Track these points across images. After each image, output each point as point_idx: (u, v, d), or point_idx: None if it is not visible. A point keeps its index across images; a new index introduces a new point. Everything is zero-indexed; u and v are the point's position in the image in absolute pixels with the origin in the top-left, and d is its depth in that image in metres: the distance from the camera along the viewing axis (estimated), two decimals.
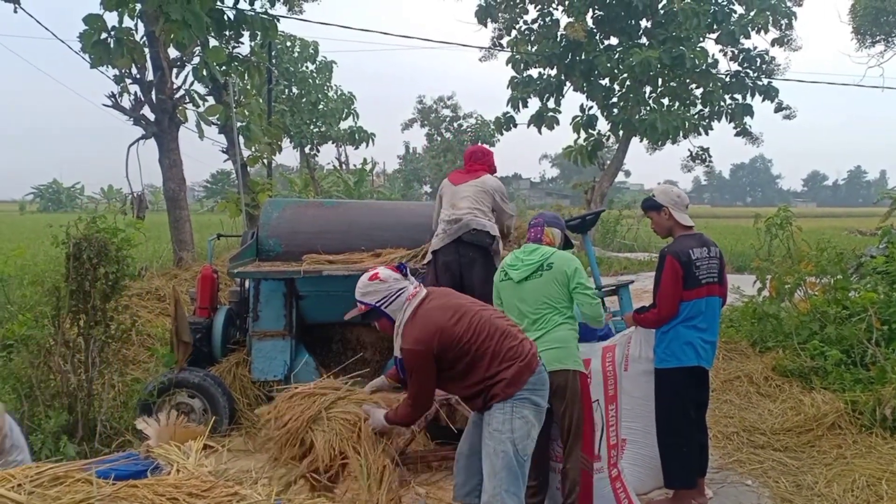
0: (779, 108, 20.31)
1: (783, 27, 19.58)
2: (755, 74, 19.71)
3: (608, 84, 19.92)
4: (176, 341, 5.82)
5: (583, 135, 20.46)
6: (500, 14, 20.95)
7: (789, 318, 7.46)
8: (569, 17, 19.34)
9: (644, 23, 19.50)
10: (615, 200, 32.13)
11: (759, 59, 19.73)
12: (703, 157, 21.76)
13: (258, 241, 6.20)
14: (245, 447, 5.42)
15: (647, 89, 19.71)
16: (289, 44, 25.90)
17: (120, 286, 5.04)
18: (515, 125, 21.17)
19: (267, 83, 15.28)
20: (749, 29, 18.75)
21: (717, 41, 19.30)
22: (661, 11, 18.72)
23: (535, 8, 20.38)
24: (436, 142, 52.88)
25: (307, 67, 26.76)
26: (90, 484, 2.98)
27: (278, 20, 11.81)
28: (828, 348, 6.49)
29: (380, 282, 3.51)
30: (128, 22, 9.93)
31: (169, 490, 3.04)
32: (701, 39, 18.53)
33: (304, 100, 26.52)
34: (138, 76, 10.68)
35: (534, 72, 20.63)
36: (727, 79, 19.75)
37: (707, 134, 20.08)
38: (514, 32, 20.78)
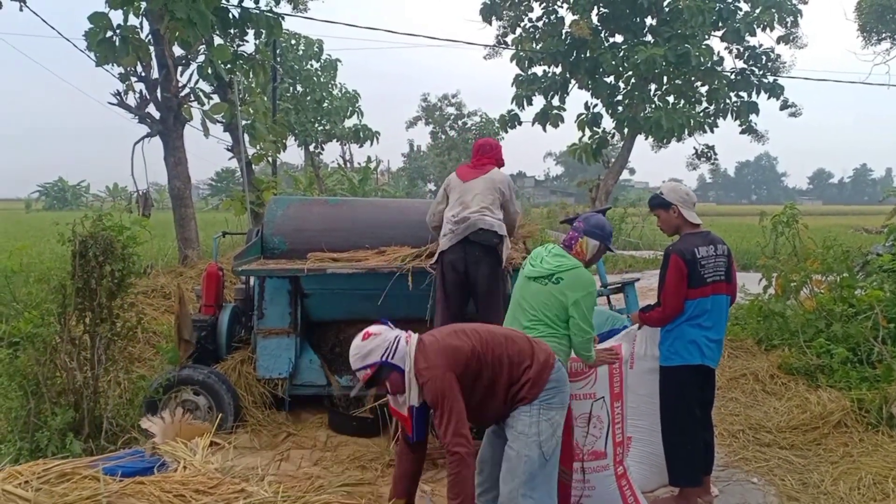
0: (784, 106, 20.26)
1: (789, 24, 19.52)
2: (761, 72, 19.67)
3: (613, 82, 19.89)
4: (178, 339, 5.83)
5: (587, 133, 20.45)
6: (504, 12, 20.94)
7: (795, 315, 7.44)
8: (574, 14, 19.31)
9: (649, 20, 19.46)
10: (620, 198, 32.13)
11: (764, 57, 19.69)
12: (709, 154, 21.74)
13: (263, 239, 6.21)
14: (251, 444, 5.43)
15: (653, 87, 19.67)
16: (293, 42, 25.94)
17: (126, 284, 5.05)
18: (520, 123, 21.16)
19: (272, 81, 15.29)
20: (754, 26, 18.70)
21: (722, 38, 19.26)
22: (667, 9, 18.67)
23: (539, 5, 20.37)
24: (440, 140, 52.89)
25: (312, 65, 26.80)
26: (97, 481, 2.99)
27: (283, 18, 11.80)
28: (834, 346, 6.48)
29: (374, 337, 3.37)
30: (133, 20, 9.94)
31: (176, 487, 3.05)
32: (706, 37, 18.49)
33: (308, 98, 26.56)
34: (143, 74, 10.70)
35: (538, 69, 20.61)
36: (732, 76, 19.71)
37: (712, 132, 20.05)
38: (518, 30, 20.77)
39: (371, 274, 5.57)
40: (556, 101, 20.52)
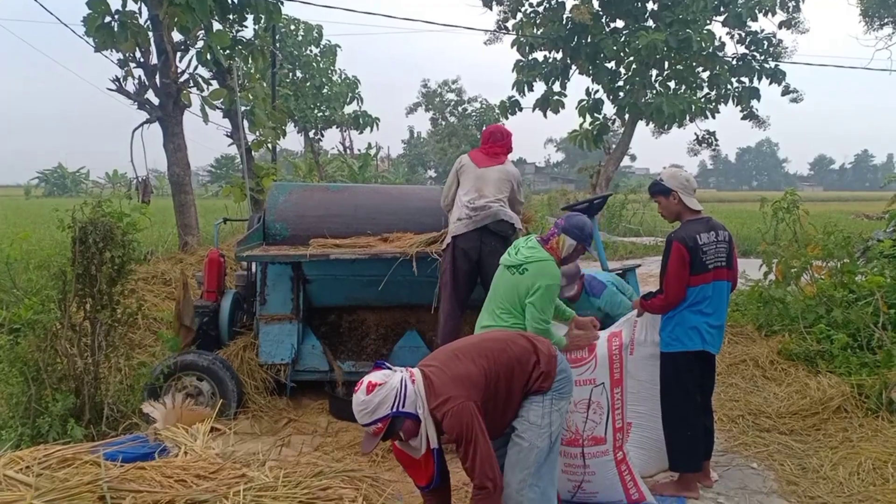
0: (786, 92, 20.17)
1: (790, 9, 19.43)
2: (762, 57, 19.58)
3: (614, 67, 19.80)
4: (178, 325, 5.84)
5: (588, 119, 20.38)
6: None
7: (795, 301, 7.44)
8: None
9: (650, 5, 19.34)
10: (621, 185, 32.10)
11: (766, 42, 19.59)
12: (710, 140, 21.67)
13: (265, 225, 6.20)
14: (252, 430, 5.45)
15: (654, 72, 19.59)
16: (293, 27, 25.84)
17: (126, 270, 5.04)
18: (521, 109, 21.08)
19: (271, 67, 15.24)
20: (756, 11, 18.59)
21: (723, 24, 19.15)
22: None
23: None
24: (440, 126, 52.79)
25: (311, 51, 26.72)
26: (98, 466, 3.00)
27: (282, 3, 11.74)
28: (834, 332, 6.48)
29: (380, 388, 3.05)
30: (131, 5, 9.92)
31: (177, 472, 3.06)
32: (707, 22, 18.39)
33: (308, 84, 26.50)
34: (142, 60, 10.66)
35: (539, 55, 20.52)
36: (734, 62, 19.62)
37: (713, 117, 19.98)
38: (519, 15, 20.63)
39: (374, 260, 5.57)
40: (556, 87, 20.44)
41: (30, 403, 4.63)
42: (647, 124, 20.24)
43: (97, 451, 3.23)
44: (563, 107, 20.43)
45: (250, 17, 11.99)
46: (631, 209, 25.33)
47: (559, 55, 20.16)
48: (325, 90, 26.95)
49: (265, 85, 14.58)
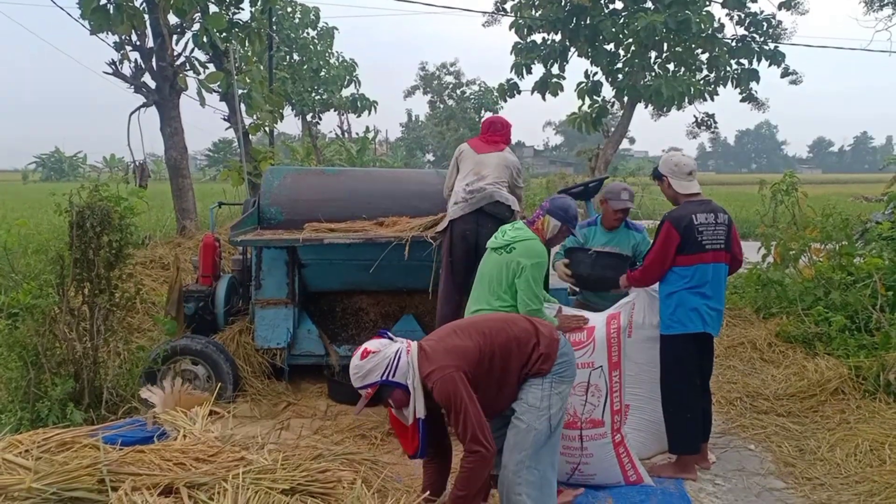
0: (785, 74, 20.08)
1: None
2: (762, 39, 19.46)
3: (613, 49, 19.68)
4: (175, 309, 5.85)
5: (587, 101, 20.29)
6: None
7: (794, 284, 7.45)
8: None
9: None
10: (619, 168, 32.03)
11: (765, 24, 19.46)
12: (709, 123, 21.60)
13: (260, 209, 6.18)
14: (251, 414, 5.46)
15: (653, 54, 19.47)
16: (289, 10, 25.63)
17: (124, 254, 5.03)
18: (519, 92, 20.98)
19: (268, 50, 15.13)
20: None
21: (723, 5, 19.02)
22: None
23: None
24: (438, 109, 52.58)
25: (308, 34, 26.53)
26: (97, 449, 3.00)
27: None
28: (832, 314, 6.49)
29: (374, 355, 3.19)
30: None
31: (176, 455, 3.07)
32: (707, 3, 18.26)
33: (305, 67, 26.33)
34: (138, 43, 10.58)
35: (538, 37, 20.38)
36: (733, 43, 19.50)
37: (713, 100, 19.89)
38: None
39: (369, 244, 5.56)
40: (555, 70, 20.33)
41: (29, 388, 4.63)
42: (646, 107, 20.15)
43: (96, 434, 3.24)
44: (561, 89, 20.33)
45: (246, 0, 11.92)
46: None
47: (558, 37, 20.03)
48: (322, 73, 26.79)
49: (262, 68, 14.49)
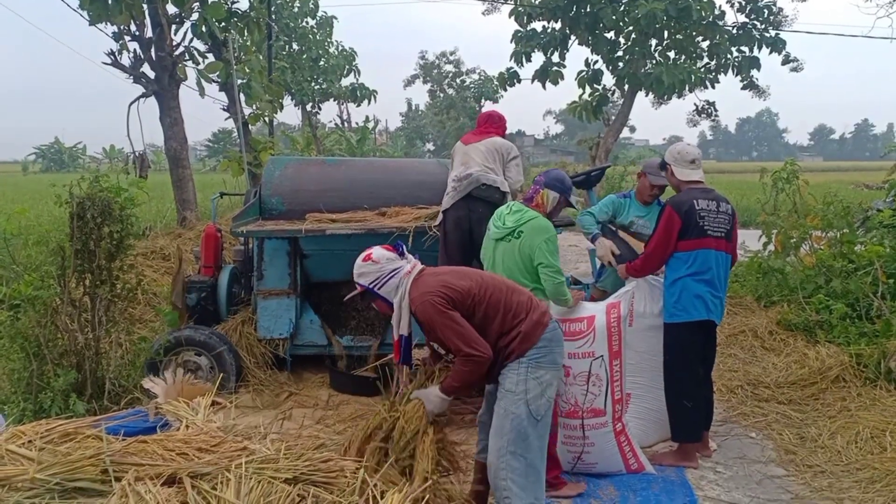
0: (786, 61, 20.00)
1: None
2: (762, 26, 19.38)
3: (613, 37, 19.60)
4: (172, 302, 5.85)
5: (588, 90, 20.23)
6: None
7: (795, 272, 7.45)
8: None
9: None
10: (620, 156, 31.97)
11: (766, 11, 19.37)
12: (709, 111, 21.55)
13: (261, 200, 6.18)
14: (253, 404, 5.47)
15: (653, 42, 19.40)
16: None
17: (125, 245, 5.03)
18: (519, 81, 20.91)
19: (267, 39, 15.08)
20: None
21: None
22: None
23: None
24: (438, 98, 52.41)
25: (307, 23, 26.42)
26: (100, 440, 3.01)
27: None
28: (833, 302, 6.49)
29: (372, 263, 3.40)
30: None
31: (178, 445, 3.08)
32: None
33: (304, 56, 26.24)
34: (137, 33, 10.55)
35: (538, 25, 20.29)
36: (734, 31, 19.43)
37: (713, 87, 19.84)
38: None
39: (370, 234, 5.56)
40: (555, 58, 20.25)
41: (31, 379, 4.64)
42: (647, 95, 20.09)
43: (99, 425, 3.25)
44: (562, 78, 20.26)
45: None
46: (630, 181, 25.25)
47: (558, 25, 19.94)
48: (321, 62, 26.71)
49: (261, 58, 14.45)
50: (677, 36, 19.15)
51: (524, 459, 3.28)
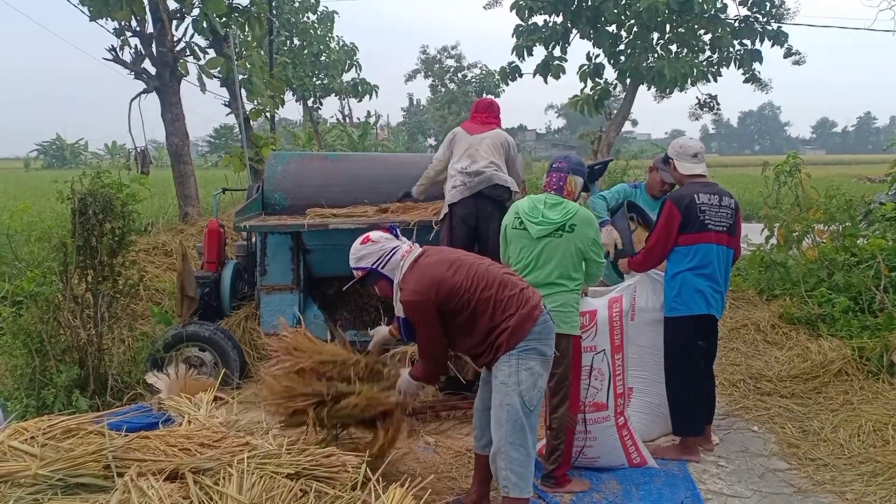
0: (788, 54, 19.90)
1: None
2: (765, 19, 19.30)
3: (615, 31, 19.53)
4: (181, 296, 5.85)
5: (589, 84, 20.15)
6: None
7: (797, 265, 7.43)
8: None
9: None
10: (622, 150, 31.88)
11: (768, 4, 19.30)
12: (711, 104, 21.47)
13: (263, 195, 6.18)
14: (256, 399, 5.47)
15: (655, 36, 19.33)
16: None
17: (126, 241, 5.04)
18: (521, 75, 20.82)
19: (268, 35, 15.04)
20: None
21: None
22: None
23: None
24: (440, 93, 52.30)
25: (308, 18, 26.35)
26: (102, 436, 3.02)
27: None
28: (835, 295, 6.48)
29: (372, 243, 3.52)
30: None
31: (181, 441, 3.08)
32: None
33: (305, 51, 26.18)
34: (138, 29, 10.52)
35: (539, 19, 20.20)
36: (736, 24, 19.35)
37: (715, 81, 19.73)
38: None
39: (374, 229, 5.54)
40: (557, 52, 20.15)
41: (34, 375, 4.66)
42: (649, 89, 20.02)
43: (101, 421, 3.25)
44: (563, 72, 20.16)
45: None
46: (632, 175, 25.20)
47: (559, 19, 19.86)
48: (322, 58, 26.64)
49: (262, 53, 14.40)
50: (679, 29, 19.06)
51: (523, 450, 3.36)
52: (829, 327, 6.26)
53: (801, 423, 4.93)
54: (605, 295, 4.50)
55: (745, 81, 20.41)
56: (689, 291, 4.35)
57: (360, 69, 27.74)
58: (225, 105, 12.09)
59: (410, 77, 53.14)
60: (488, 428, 3.55)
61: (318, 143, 24.19)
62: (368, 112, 30.47)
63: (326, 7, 26.57)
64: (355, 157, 8.24)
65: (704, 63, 19.45)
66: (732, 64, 19.72)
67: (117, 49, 10.44)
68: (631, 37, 19.37)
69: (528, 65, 20.36)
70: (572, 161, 4.20)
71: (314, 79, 26.80)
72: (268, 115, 13.66)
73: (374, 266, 3.49)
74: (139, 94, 10.44)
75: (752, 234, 8.37)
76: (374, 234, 3.57)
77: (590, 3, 18.95)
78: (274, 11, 17.43)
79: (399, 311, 3.46)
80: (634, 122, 70.84)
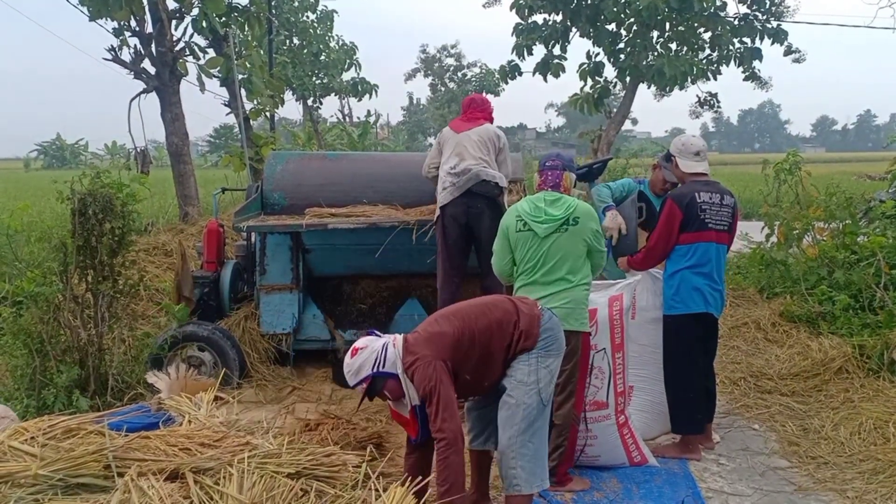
0: (788, 52, 19.89)
1: None
2: (764, 17, 19.29)
3: (615, 29, 19.52)
4: (177, 297, 5.85)
5: (589, 82, 20.15)
6: None
7: (797, 263, 7.43)
8: None
9: None
10: (622, 149, 31.85)
11: (768, 1, 19.29)
12: (711, 102, 21.45)
13: (263, 195, 6.18)
14: (256, 399, 5.48)
15: (655, 34, 19.32)
16: None
17: (126, 241, 5.04)
18: (520, 74, 20.81)
19: (267, 34, 15.03)
20: None
21: None
22: None
23: None
24: (440, 92, 52.32)
25: (308, 17, 26.33)
26: (103, 436, 3.02)
27: None
28: (836, 293, 6.48)
29: (362, 350, 3.32)
30: None
31: (181, 440, 3.08)
32: None
33: (305, 51, 26.16)
34: (137, 29, 10.51)
35: (539, 18, 20.20)
36: (736, 22, 19.34)
37: (715, 79, 19.72)
38: None
39: (372, 228, 5.56)
40: (556, 51, 20.15)
41: (35, 375, 4.66)
42: (649, 87, 20.00)
43: (102, 421, 3.25)
44: (563, 70, 20.15)
45: None
46: (632, 174, 25.19)
47: (559, 17, 19.85)
48: (322, 57, 26.63)
49: (262, 52, 14.39)
50: (679, 27, 19.04)
51: (532, 446, 3.37)
52: (830, 325, 6.26)
53: (801, 421, 4.93)
54: (605, 292, 4.49)
55: (745, 79, 20.39)
56: (688, 290, 4.34)
57: (360, 68, 27.72)
58: (225, 105, 12.08)
59: (410, 76, 53.23)
60: (483, 424, 3.58)
61: (317, 143, 24.20)
62: (368, 111, 30.55)
63: (326, 6, 26.55)
64: (355, 156, 8.25)
65: (704, 61, 19.43)
66: (732, 62, 19.70)
67: (117, 49, 10.44)
68: (631, 35, 19.36)
69: (528, 63, 20.31)
70: (564, 158, 4.26)
71: (314, 78, 26.79)
72: (267, 114, 13.65)
73: (375, 370, 3.28)
74: (139, 94, 10.43)
75: (753, 231, 8.37)
76: (359, 343, 3.36)
77: (589, 2, 18.94)
78: (273, 11, 17.41)
79: (414, 397, 3.28)
80: (634, 121, 70.82)
